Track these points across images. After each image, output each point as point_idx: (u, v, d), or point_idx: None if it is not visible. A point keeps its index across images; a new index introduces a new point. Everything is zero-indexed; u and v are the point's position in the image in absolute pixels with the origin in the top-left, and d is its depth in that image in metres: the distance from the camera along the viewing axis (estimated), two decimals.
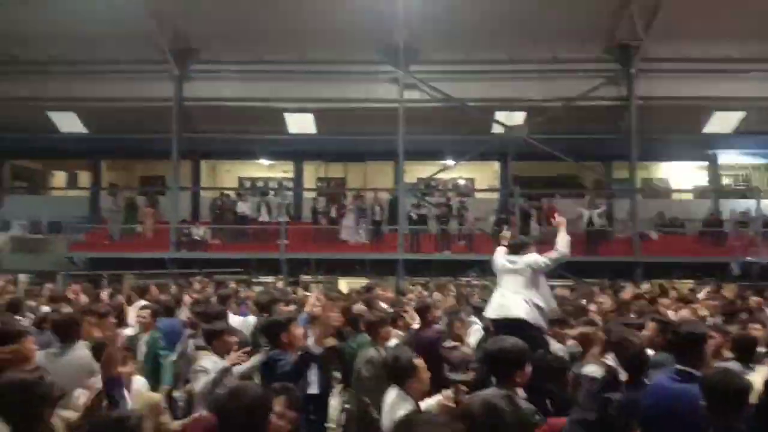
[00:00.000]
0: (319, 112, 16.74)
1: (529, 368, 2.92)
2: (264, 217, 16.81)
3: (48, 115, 17.22)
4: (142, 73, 16.41)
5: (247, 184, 20.53)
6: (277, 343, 4.24)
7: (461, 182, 19.36)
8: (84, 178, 20.55)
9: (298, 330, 4.44)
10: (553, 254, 5.21)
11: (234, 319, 5.83)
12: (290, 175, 19.28)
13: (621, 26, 15.28)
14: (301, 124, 17.10)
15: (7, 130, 17.30)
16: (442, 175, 17.84)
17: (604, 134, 16.24)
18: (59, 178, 21.97)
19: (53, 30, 15.22)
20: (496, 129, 16.76)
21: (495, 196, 18.78)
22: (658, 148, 17.14)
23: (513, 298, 5.08)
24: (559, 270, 8.52)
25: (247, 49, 16.07)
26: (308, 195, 18.54)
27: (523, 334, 3.62)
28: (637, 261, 14.76)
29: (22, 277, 12.42)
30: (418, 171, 18.73)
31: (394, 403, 3.19)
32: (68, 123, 17.51)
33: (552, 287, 6.93)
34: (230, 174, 20.64)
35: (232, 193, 17.78)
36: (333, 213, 16.74)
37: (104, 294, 8.34)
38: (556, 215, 5.90)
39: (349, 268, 15.24)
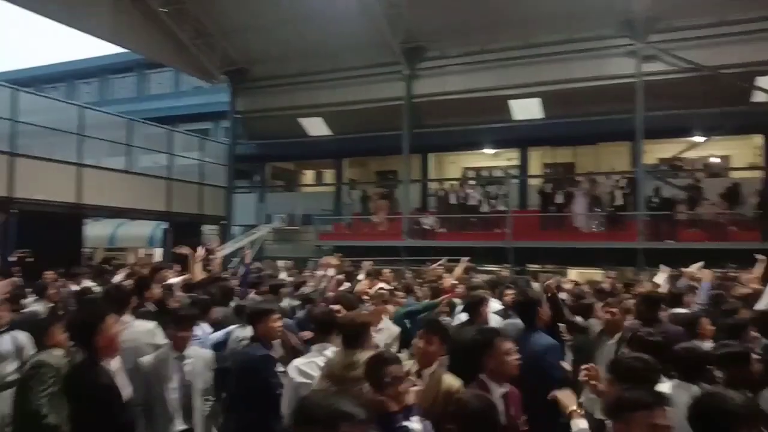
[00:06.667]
0: (545, 95, 16.19)
1: None
2: (485, 207, 16.88)
3: (299, 121, 19.54)
4: (377, 75, 17.61)
5: (471, 173, 20.82)
6: None
7: (714, 160, 16.92)
8: (329, 175, 22.99)
9: None
10: None
11: None
12: (515, 162, 19.02)
13: None
14: (526, 109, 16.69)
15: (268, 137, 20.32)
16: (690, 154, 15.85)
17: None
18: (309, 176, 24.91)
19: (302, 48, 17.47)
20: (759, 97, 14.34)
21: (757, 175, 16.09)
22: None
23: None
24: None
25: (471, 42, 16.33)
26: (534, 182, 18.08)
27: None
28: None
29: (280, 263, 14.33)
30: (657, 151, 16.96)
31: None
32: (315, 127, 19.56)
33: None
34: (455, 165, 21.14)
35: (455, 184, 18.21)
36: (561, 199, 16.09)
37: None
38: None
39: (581, 257, 14.54)
